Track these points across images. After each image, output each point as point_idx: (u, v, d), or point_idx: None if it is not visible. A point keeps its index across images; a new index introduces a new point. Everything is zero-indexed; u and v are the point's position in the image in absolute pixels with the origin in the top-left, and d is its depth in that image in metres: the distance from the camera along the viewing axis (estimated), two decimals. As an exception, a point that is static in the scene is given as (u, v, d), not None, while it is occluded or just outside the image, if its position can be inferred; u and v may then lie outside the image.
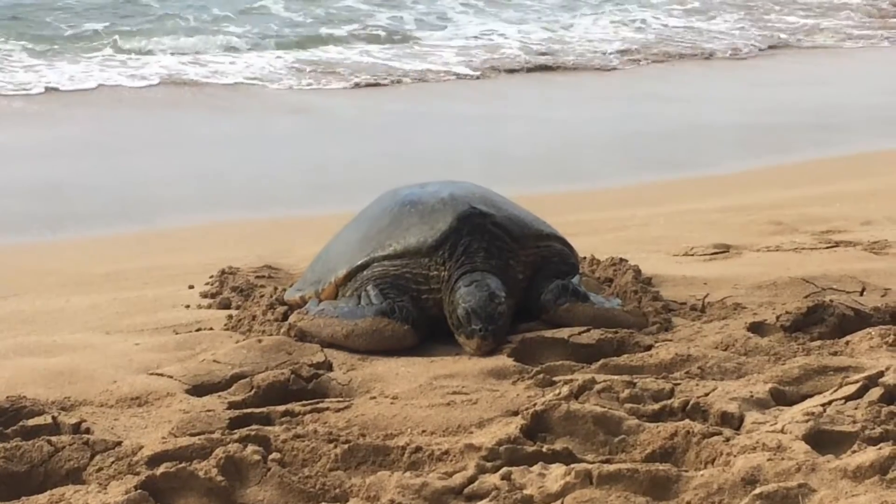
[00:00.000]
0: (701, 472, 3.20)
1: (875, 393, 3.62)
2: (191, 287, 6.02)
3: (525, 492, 3.11)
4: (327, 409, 3.89)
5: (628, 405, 3.67)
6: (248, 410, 3.92)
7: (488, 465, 3.30)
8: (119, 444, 3.57)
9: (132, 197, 9.17)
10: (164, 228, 8.22)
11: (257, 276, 5.95)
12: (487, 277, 4.66)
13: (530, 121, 12.32)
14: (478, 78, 14.83)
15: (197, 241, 7.76)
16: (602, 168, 10.15)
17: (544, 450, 3.38)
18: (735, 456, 3.26)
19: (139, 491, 3.18)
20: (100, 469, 3.45)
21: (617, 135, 11.46)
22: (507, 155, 10.62)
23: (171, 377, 4.30)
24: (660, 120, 12.12)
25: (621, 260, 5.65)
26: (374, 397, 4.04)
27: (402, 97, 13.67)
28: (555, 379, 4.06)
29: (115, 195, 9.20)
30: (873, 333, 4.38)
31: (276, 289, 5.48)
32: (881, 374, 3.73)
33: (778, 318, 4.65)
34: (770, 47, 17.36)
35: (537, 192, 8.55)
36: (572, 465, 3.22)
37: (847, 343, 4.37)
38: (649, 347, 4.43)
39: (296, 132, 11.73)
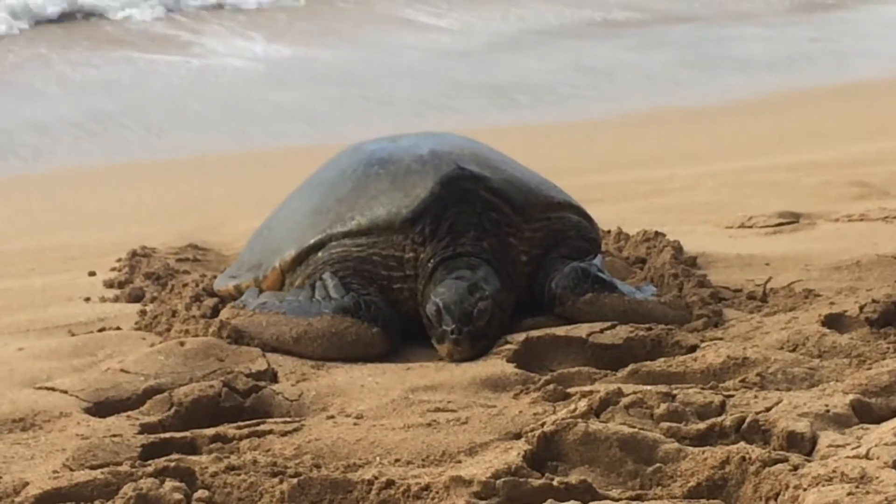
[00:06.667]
0: (761, 512, 3.21)
1: None
2: (92, 274, 6.03)
3: (530, 539, 3.11)
4: (270, 432, 3.89)
5: (665, 424, 3.67)
6: (167, 435, 3.91)
7: (482, 503, 3.31)
8: (-4, 480, 3.56)
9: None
10: (57, 191, 8.22)
11: (179, 259, 5.96)
12: (475, 267, 4.66)
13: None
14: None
15: (101, 213, 7.76)
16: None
17: (555, 483, 3.37)
18: (805, 490, 3.25)
19: (22, 543, 3.18)
20: (-30, 514, 3.45)
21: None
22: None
23: (66, 392, 4.29)
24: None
25: (657, 234, 5.67)
26: (332, 416, 4.04)
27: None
28: (569, 391, 4.06)
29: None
30: None
31: (203, 276, 5.49)
32: None
33: (862, 308, 4.66)
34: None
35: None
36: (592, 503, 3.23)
37: (953, 342, 4.38)
38: (693, 348, 4.44)
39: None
